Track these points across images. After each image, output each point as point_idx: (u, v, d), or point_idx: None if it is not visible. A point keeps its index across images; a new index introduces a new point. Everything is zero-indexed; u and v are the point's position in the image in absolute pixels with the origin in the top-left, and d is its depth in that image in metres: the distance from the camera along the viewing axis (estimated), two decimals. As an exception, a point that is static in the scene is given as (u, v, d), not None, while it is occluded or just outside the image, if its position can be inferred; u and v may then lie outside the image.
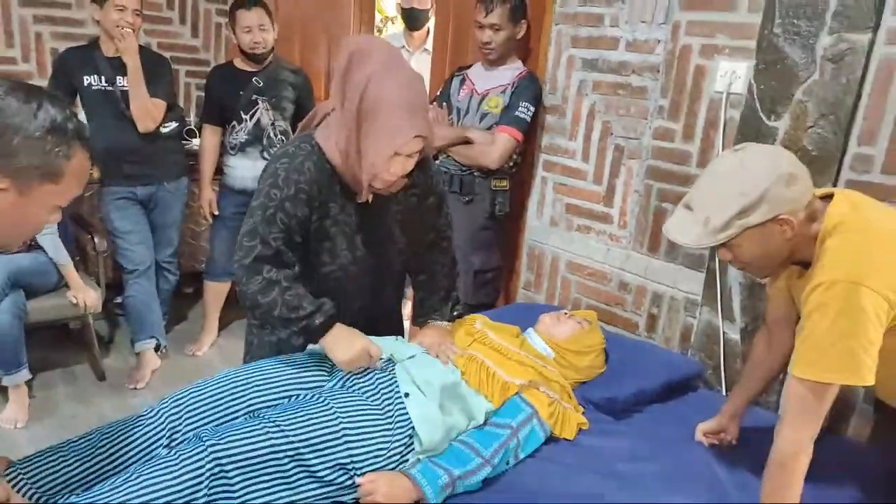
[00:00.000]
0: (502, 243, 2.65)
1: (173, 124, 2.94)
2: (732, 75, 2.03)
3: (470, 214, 2.51)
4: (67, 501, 1.22)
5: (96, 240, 2.92)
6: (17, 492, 1.26)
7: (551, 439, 1.64)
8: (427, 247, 1.77)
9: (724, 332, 2.11)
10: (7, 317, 2.45)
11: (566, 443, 1.65)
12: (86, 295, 2.72)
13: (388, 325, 1.80)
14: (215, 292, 3.27)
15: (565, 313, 1.94)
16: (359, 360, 1.51)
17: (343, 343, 1.51)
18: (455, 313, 1.84)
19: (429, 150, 1.55)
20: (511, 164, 2.51)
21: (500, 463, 1.48)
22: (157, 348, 3.06)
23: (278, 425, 1.31)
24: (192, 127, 3.51)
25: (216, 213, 3.14)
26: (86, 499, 1.19)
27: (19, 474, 1.28)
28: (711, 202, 1.29)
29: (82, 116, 2.94)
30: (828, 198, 1.34)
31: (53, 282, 2.70)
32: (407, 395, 1.49)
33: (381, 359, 1.57)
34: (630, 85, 2.31)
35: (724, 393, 2.08)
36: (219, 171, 3.14)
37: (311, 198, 1.49)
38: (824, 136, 1.84)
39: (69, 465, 1.30)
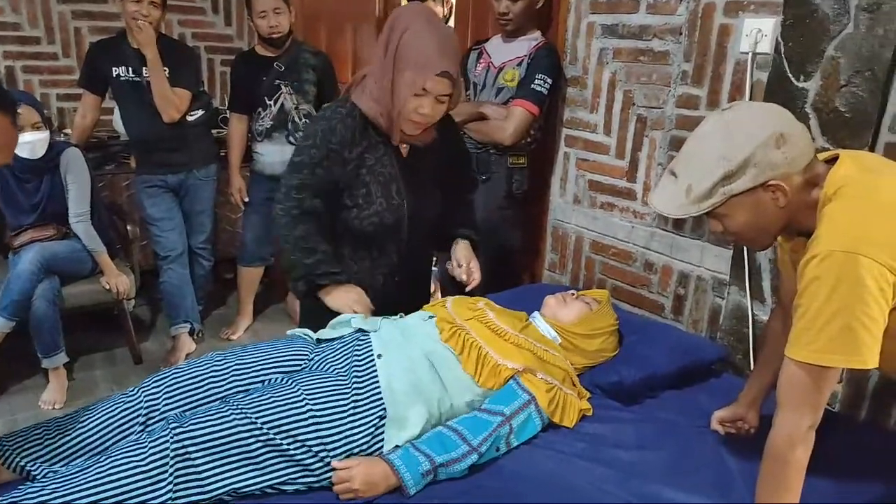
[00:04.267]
0: (524, 223, 2.55)
1: (199, 112, 2.98)
2: (758, 34, 1.86)
3: (487, 194, 2.42)
4: (40, 473, 1.27)
5: (129, 227, 3.01)
6: (3, 464, 1.30)
7: (550, 426, 1.56)
8: (454, 201, 1.89)
9: (753, 314, 1.96)
10: (42, 302, 2.55)
11: (566, 429, 1.56)
12: (118, 281, 2.81)
13: (417, 290, 1.92)
14: (249, 277, 3.32)
15: (572, 294, 1.84)
16: (349, 303, 1.66)
17: (337, 292, 1.68)
18: (477, 238, 1.94)
19: (456, 102, 1.67)
20: (529, 139, 2.40)
21: (489, 450, 1.41)
22: (191, 332, 3.13)
23: (241, 409, 1.28)
24: (227, 115, 3.56)
25: (247, 199, 3.18)
26: (55, 479, 1.20)
27: (6, 447, 1.31)
28: (694, 168, 1.17)
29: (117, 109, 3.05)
30: (834, 161, 1.19)
31: (88, 268, 2.79)
32: (380, 356, 1.46)
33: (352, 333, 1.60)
34: (652, 50, 2.16)
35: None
36: (248, 158, 3.17)
37: (343, 157, 1.64)
38: (859, 94, 1.66)
39: (52, 440, 1.33)
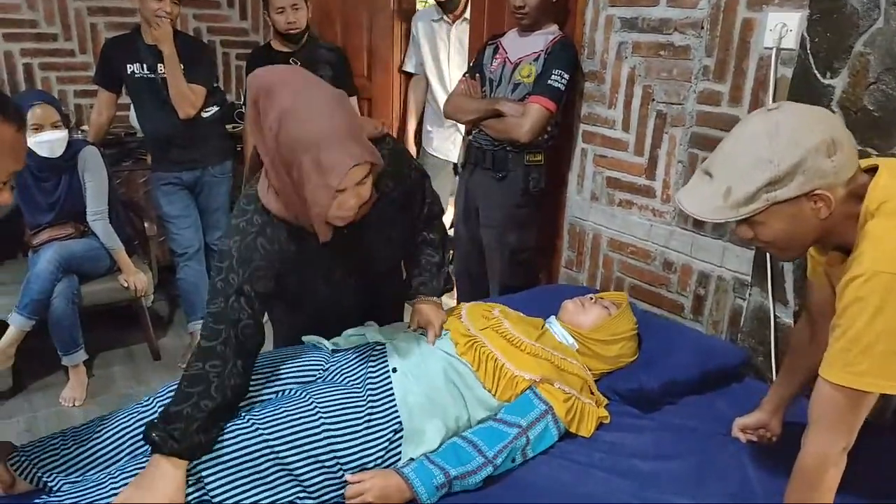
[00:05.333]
0: (540, 221, 2.51)
1: (214, 109, 2.97)
2: (783, 28, 1.80)
3: (504, 192, 2.39)
4: (56, 485, 1.26)
5: (146, 224, 3.02)
6: (21, 475, 1.30)
7: (567, 434, 1.54)
8: (418, 235, 1.70)
9: (775, 316, 1.91)
10: (61, 301, 2.57)
11: (583, 438, 1.54)
12: (136, 279, 2.82)
13: (387, 315, 1.75)
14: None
15: (590, 298, 1.81)
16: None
17: (145, 484, 1.20)
18: (447, 287, 1.74)
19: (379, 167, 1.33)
20: (546, 136, 2.36)
21: (505, 462, 1.40)
22: (208, 328, 3.14)
23: (254, 424, 1.27)
24: (243, 110, 3.55)
25: (263, 195, 3.16)
26: (71, 492, 1.21)
27: (24, 458, 1.31)
28: (735, 170, 1.10)
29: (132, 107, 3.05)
30: (873, 171, 1.13)
31: (106, 266, 2.81)
32: (395, 370, 1.44)
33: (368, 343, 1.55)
34: (672, 44, 2.11)
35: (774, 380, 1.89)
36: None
37: (272, 271, 1.38)
38: (889, 93, 1.59)
39: (68, 450, 1.34)
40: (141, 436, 1.33)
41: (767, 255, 1.90)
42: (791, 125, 1.08)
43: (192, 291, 3.07)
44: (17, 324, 2.52)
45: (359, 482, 1.29)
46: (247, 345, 1.34)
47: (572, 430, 1.53)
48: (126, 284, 2.80)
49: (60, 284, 2.58)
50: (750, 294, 1.98)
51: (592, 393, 1.63)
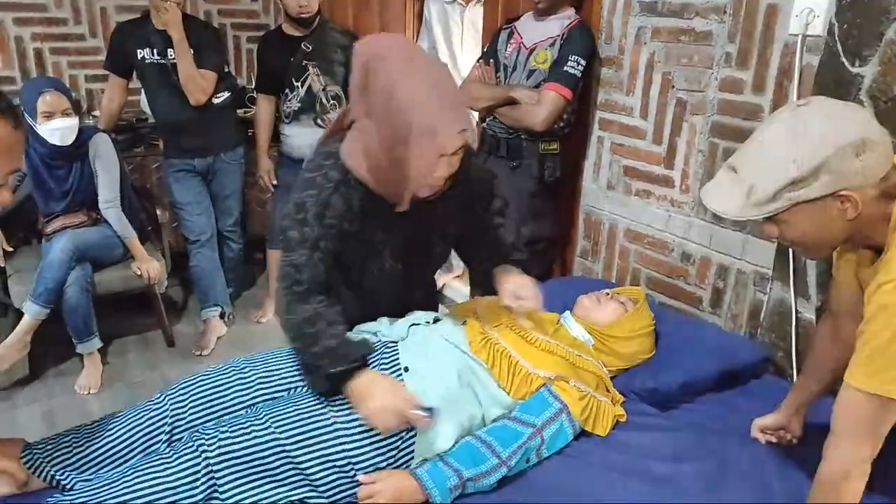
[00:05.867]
0: (555, 210, 2.47)
1: (225, 94, 2.95)
2: (810, 14, 1.73)
3: (518, 181, 2.35)
4: (69, 483, 1.27)
5: (159, 212, 3.01)
6: (34, 472, 1.30)
7: (583, 433, 1.51)
8: (477, 234, 1.66)
9: (797, 311, 1.86)
10: (75, 289, 2.58)
11: (599, 438, 1.52)
12: (149, 266, 2.81)
13: (424, 298, 1.71)
14: (279, 260, 3.30)
15: (607, 293, 1.77)
16: (383, 420, 1.28)
17: (368, 395, 1.31)
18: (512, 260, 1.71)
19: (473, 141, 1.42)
20: (562, 124, 2.31)
21: (520, 462, 1.38)
22: (222, 315, 3.15)
23: (265, 421, 1.27)
24: (254, 94, 3.51)
25: (275, 182, 3.14)
26: (82, 491, 1.21)
27: (37, 456, 1.31)
28: (759, 167, 1.07)
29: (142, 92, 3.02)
30: None
31: (119, 254, 2.81)
32: (407, 369, 1.41)
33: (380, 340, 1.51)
34: (693, 30, 2.04)
35: (795, 380, 1.85)
36: (277, 138, 3.13)
37: (342, 231, 1.40)
38: (921, 83, 1.54)
39: (80, 447, 1.34)
40: (154, 433, 1.33)
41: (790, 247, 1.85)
42: (819, 123, 1.04)
43: (205, 279, 3.08)
44: (32, 312, 2.53)
45: (371, 483, 1.28)
46: (325, 278, 1.41)
47: (587, 428, 1.51)
48: (139, 272, 2.80)
49: (74, 273, 2.58)
50: (771, 288, 1.94)
51: (608, 390, 1.61)
